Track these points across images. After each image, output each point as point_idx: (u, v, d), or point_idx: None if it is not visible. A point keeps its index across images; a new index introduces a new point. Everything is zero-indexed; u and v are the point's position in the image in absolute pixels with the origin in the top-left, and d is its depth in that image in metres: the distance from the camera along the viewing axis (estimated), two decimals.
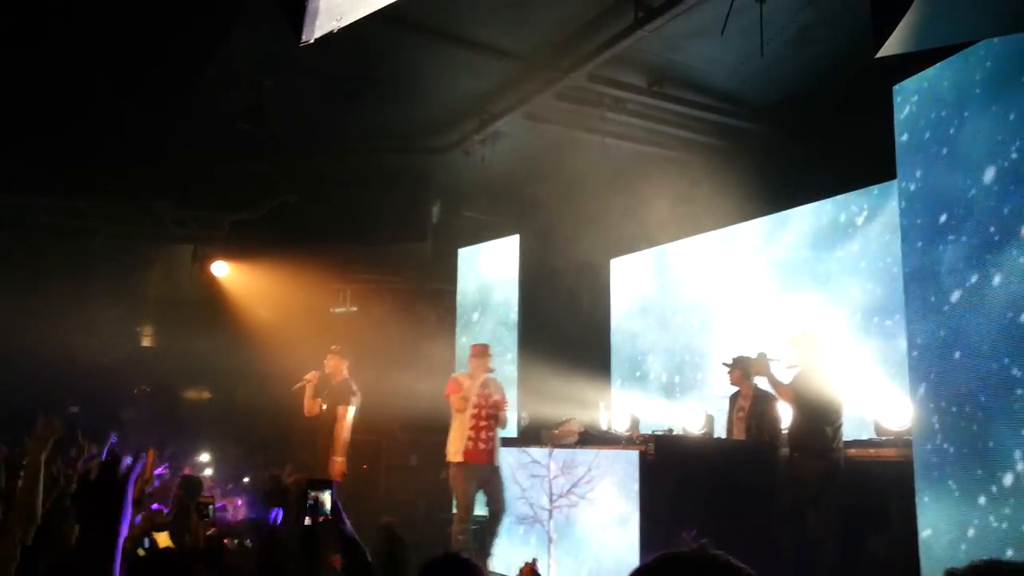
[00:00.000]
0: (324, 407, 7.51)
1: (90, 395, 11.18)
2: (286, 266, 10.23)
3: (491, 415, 6.87)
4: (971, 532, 4.60)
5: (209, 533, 4.77)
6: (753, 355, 6.39)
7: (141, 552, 3.73)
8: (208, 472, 10.84)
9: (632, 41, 6.26)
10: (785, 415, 6.58)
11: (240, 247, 10.23)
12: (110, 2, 6.24)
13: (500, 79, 7.37)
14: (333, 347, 7.83)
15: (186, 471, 9.79)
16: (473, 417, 6.81)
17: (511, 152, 8.58)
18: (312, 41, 2.47)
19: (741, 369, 6.67)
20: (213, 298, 10.84)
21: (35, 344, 10.45)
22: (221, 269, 10.39)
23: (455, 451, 6.81)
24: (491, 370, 7.03)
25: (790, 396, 5.80)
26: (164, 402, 12.59)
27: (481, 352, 7.12)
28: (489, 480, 6.79)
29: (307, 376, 7.63)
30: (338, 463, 7.32)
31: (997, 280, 4.67)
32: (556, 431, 7.06)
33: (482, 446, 6.79)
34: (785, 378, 5.97)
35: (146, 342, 12.93)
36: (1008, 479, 4.44)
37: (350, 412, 7.45)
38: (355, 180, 9.67)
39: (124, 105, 7.75)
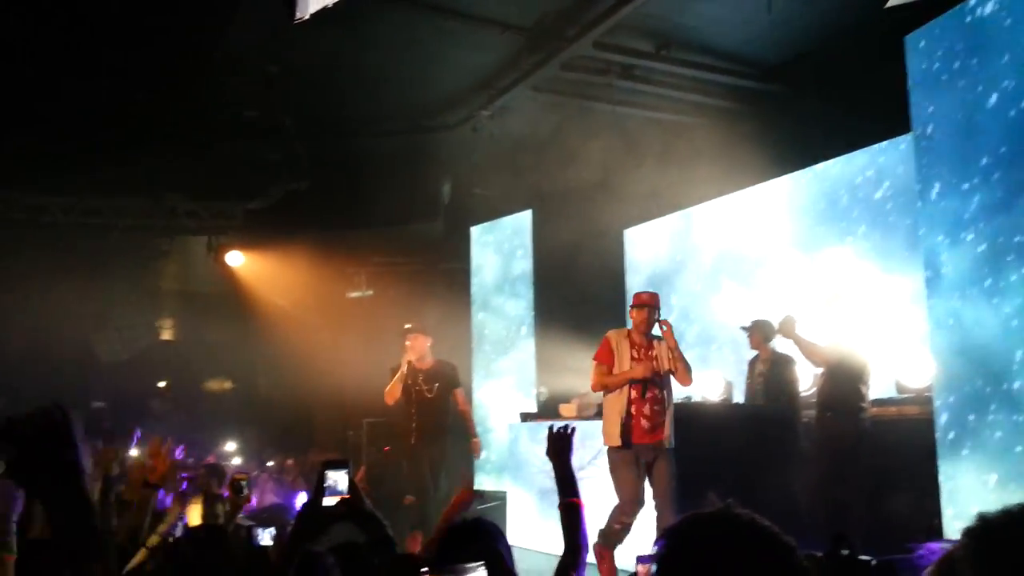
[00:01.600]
0: (428, 394, 6.65)
1: (113, 390, 11.31)
2: (300, 253, 10.25)
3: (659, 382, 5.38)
4: (992, 486, 4.54)
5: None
6: (773, 319, 6.32)
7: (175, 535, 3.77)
8: (236, 461, 10.94)
9: (636, 5, 6.18)
10: (805, 377, 6.53)
11: (254, 236, 10.26)
12: None
13: (505, 53, 7.30)
14: (411, 325, 6.98)
15: (211, 460, 9.90)
16: (637, 387, 5.35)
17: (519, 127, 8.52)
18: (307, 17, 2.44)
19: (761, 333, 6.61)
20: (230, 288, 10.90)
21: (55, 342, 10.57)
22: (236, 259, 10.43)
23: (611, 433, 5.37)
24: (654, 324, 5.45)
25: (823, 357, 5.71)
26: (187, 394, 12.71)
27: (646, 301, 5.55)
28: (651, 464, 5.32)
29: (407, 359, 6.67)
30: (477, 443, 7.09)
31: (1012, 234, 4.58)
32: (571, 404, 7.02)
33: (644, 422, 5.30)
34: (814, 339, 5.89)
35: (166, 335, 13.05)
36: None
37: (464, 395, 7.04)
38: (364, 163, 9.65)
39: (132, 98, 7.76)
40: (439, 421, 6.81)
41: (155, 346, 11.77)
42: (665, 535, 1.32)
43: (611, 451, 5.35)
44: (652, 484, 5.25)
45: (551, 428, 2.93)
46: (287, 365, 11.83)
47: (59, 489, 1.61)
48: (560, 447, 2.82)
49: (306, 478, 10.16)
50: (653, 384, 5.32)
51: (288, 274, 10.55)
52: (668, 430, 5.29)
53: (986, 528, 1.31)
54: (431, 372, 6.80)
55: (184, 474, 6.74)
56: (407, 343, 6.75)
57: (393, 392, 6.70)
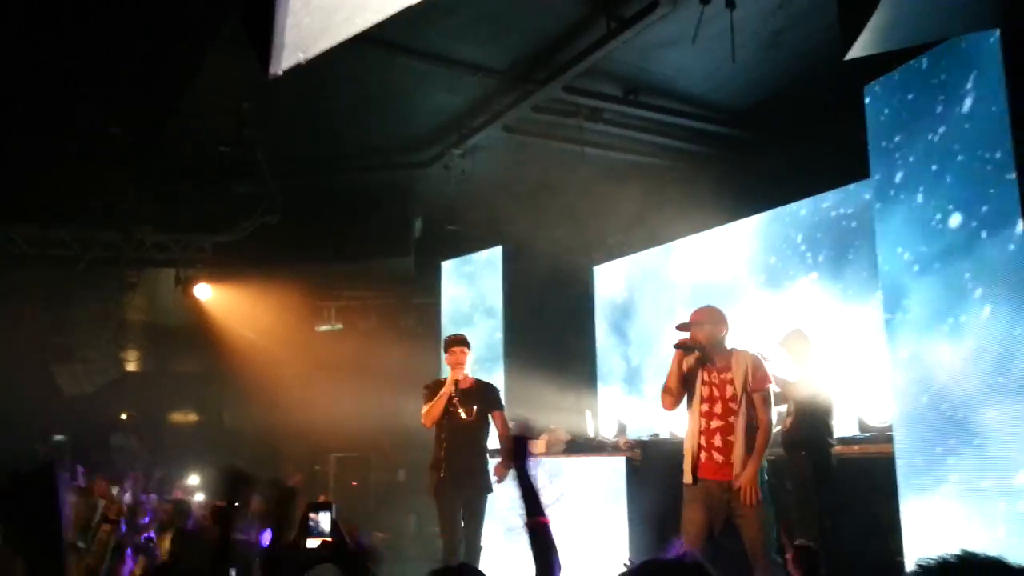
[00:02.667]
0: (465, 416, 5.72)
1: (77, 423, 11.13)
2: (270, 287, 10.22)
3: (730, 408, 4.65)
4: (954, 531, 4.65)
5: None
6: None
7: None
8: (199, 497, 10.77)
9: (606, 52, 6.34)
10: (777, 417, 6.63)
11: (223, 269, 10.21)
12: (90, 26, 6.26)
13: (477, 93, 7.43)
14: (455, 335, 6.13)
15: (176, 495, 9.74)
16: (703, 415, 4.70)
17: (491, 164, 8.64)
18: (280, 74, 2.52)
19: None
20: (197, 321, 10.81)
21: (19, 374, 10.39)
22: (204, 292, 10.36)
23: (686, 467, 4.71)
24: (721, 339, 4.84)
25: (797, 394, 5.83)
26: (151, 427, 12.53)
27: (704, 318, 4.90)
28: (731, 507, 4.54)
29: (454, 376, 5.81)
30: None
31: (971, 275, 4.75)
32: (540, 440, 7.03)
33: (718, 456, 4.60)
34: (782, 378, 6.01)
35: (131, 367, 12.87)
36: (992, 476, 4.50)
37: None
38: (336, 198, 9.69)
39: (103, 130, 7.75)
40: (476, 451, 5.76)
41: (120, 379, 11.60)
42: None
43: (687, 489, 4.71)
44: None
45: (513, 436, 2.72)
46: (254, 399, 11.73)
47: (39, 545, 1.63)
48: (517, 451, 2.58)
49: (272, 515, 10.02)
50: (716, 408, 4.66)
51: (257, 308, 10.51)
52: (746, 468, 4.51)
53: (943, 572, 1.36)
54: (469, 391, 5.81)
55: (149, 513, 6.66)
56: (452, 356, 5.84)
57: (433, 413, 5.73)
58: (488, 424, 5.82)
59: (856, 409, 6.22)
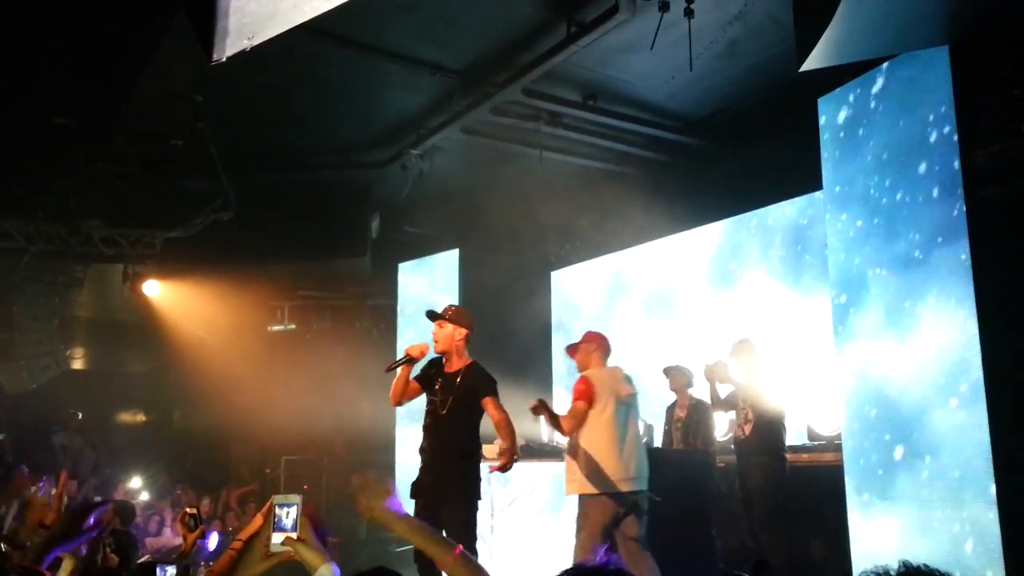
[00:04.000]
0: (440, 410, 4.80)
1: (18, 421, 10.82)
2: (221, 285, 10.04)
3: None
4: (900, 537, 4.72)
5: (142, 560, 4.64)
6: (697, 365, 6.49)
7: None
8: (144, 496, 10.55)
9: (565, 56, 6.33)
10: (720, 423, 6.69)
11: (173, 266, 10.00)
12: (40, 11, 6.08)
13: (435, 94, 7.37)
14: (449, 308, 5.08)
15: (119, 496, 9.52)
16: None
17: (449, 166, 8.59)
18: (224, 60, 2.45)
19: (682, 378, 6.79)
20: (145, 318, 10.58)
21: None
22: (153, 288, 10.14)
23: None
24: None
25: (755, 401, 5.88)
26: (97, 426, 12.23)
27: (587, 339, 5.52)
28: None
29: (411, 351, 4.86)
30: (505, 452, 4.66)
31: (919, 288, 4.82)
32: (493, 445, 6.98)
33: None
34: (743, 384, 6.06)
35: (77, 364, 12.56)
36: (939, 485, 4.57)
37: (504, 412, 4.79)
38: (292, 196, 9.55)
39: (53, 121, 7.54)
40: (452, 450, 4.75)
41: (65, 376, 11.31)
42: None
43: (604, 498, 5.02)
44: None
45: (358, 484, 2.14)
46: (204, 398, 11.51)
47: None
48: (378, 503, 2.09)
49: (220, 517, 9.86)
50: None
51: (208, 305, 10.31)
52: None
53: None
54: (450, 378, 4.86)
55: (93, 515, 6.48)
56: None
57: (394, 391, 4.90)
58: (470, 418, 4.83)
59: (806, 418, 6.29)
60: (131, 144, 8.29)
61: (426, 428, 4.90)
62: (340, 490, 10.83)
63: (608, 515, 4.91)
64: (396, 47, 6.57)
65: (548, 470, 6.49)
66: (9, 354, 10.32)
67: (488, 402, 4.79)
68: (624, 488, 4.91)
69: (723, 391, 6.19)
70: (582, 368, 5.31)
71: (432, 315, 4.99)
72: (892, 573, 1.36)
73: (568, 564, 4.77)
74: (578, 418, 5.05)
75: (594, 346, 5.34)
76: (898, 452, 4.83)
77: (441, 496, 4.66)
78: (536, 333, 9.81)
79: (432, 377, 4.94)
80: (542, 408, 5.04)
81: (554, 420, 5.15)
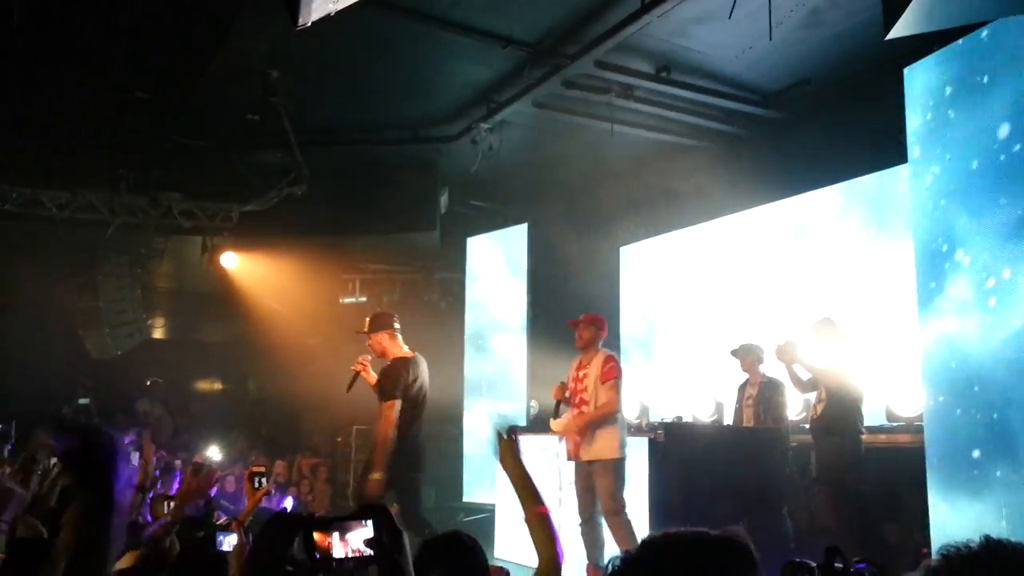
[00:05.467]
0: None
1: (102, 387, 11.27)
2: (295, 257, 10.24)
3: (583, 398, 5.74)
4: (982, 518, 4.57)
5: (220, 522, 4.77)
6: (767, 343, 6.37)
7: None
8: (218, 458, 10.90)
9: (639, 27, 6.20)
10: (793, 402, 6.56)
11: (249, 238, 10.23)
12: None
13: (506, 67, 7.32)
14: (367, 322, 5.88)
15: (197, 458, 9.85)
16: (575, 405, 5.85)
17: (519, 140, 8.54)
18: (309, 24, 2.45)
19: (752, 356, 6.67)
20: (223, 289, 10.86)
21: (46, 337, 10.53)
22: (230, 260, 10.40)
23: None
24: (586, 340, 5.85)
25: (825, 380, 5.76)
26: (176, 393, 12.67)
27: (589, 320, 5.95)
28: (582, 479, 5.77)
29: (354, 366, 5.71)
30: (373, 482, 5.22)
31: (1011, 263, 4.62)
32: (561, 419, 6.99)
33: (579, 438, 5.71)
34: (813, 364, 5.93)
35: (157, 334, 13.00)
36: (1020, 469, 4.41)
37: (396, 408, 5.41)
38: (363, 170, 9.65)
39: (133, 96, 7.76)
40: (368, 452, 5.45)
41: (146, 344, 11.72)
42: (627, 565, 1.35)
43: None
44: None
45: (498, 433, 2.73)
46: (278, 368, 11.80)
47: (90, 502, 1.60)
48: (508, 451, 2.62)
49: (296, 484, 10.13)
50: (576, 398, 5.80)
51: (282, 278, 10.53)
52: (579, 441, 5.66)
53: (945, 564, 1.32)
54: (377, 381, 5.64)
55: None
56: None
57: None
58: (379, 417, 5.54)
59: (885, 398, 6.12)
60: (208, 118, 8.48)
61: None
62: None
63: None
64: (467, 20, 6.54)
65: None
66: (94, 322, 10.73)
67: (383, 406, 5.52)
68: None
69: (801, 372, 6.04)
70: (588, 345, 5.84)
71: (360, 333, 5.92)
72: (973, 547, 1.31)
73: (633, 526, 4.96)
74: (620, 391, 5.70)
75: (601, 329, 5.92)
76: (981, 433, 4.66)
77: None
78: (605, 308, 9.74)
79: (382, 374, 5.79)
80: None
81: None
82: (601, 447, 5.55)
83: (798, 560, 1.97)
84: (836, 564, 2.02)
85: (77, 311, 10.74)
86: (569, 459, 5.83)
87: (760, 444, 6.19)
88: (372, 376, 5.78)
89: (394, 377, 5.57)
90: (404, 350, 5.80)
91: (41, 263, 10.12)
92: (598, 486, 5.54)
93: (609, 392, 5.60)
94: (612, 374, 5.65)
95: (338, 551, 1.74)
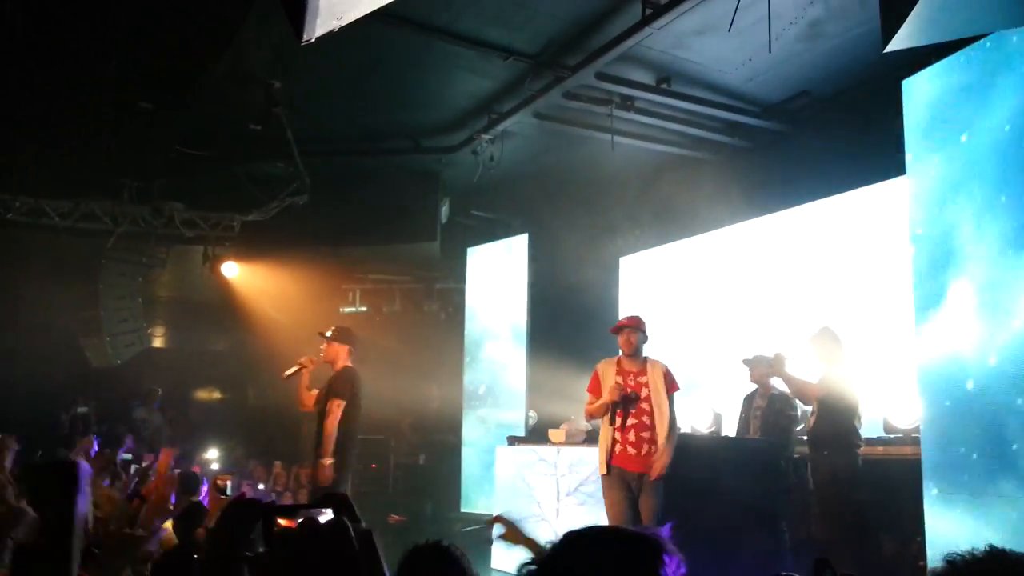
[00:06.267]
0: (316, 405, 6.00)
1: (101, 395, 11.27)
2: (295, 266, 10.27)
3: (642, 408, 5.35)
4: (979, 531, 4.56)
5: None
6: (770, 354, 6.37)
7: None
8: (215, 467, 10.89)
9: (640, 39, 6.25)
10: (801, 415, 6.55)
11: (250, 248, 10.27)
12: (122, 3, 6.29)
13: (507, 78, 7.37)
14: (331, 330, 6.15)
15: (195, 469, 9.84)
16: (619, 414, 5.38)
17: (520, 151, 8.58)
18: (313, 39, 2.47)
19: (763, 367, 6.64)
20: (224, 299, 10.89)
21: (46, 344, 10.54)
22: (231, 270, 10.43)
23: (599, 460, 5.43)
24: (635, 345, 5.48)
25: (813, 394, 5.75)
26: (175, 402, 12.66)
27: (622, 324, 5.66)
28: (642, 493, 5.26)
29: (301, 360, 6.00)
30: (326, 466, 5.69)
31: (1009, 274, 4.63)
32: (560, 430, 7.00)
33: (630, 448, 5.29)
34: (806, 376, 5.92)
35: (157, 343, 13.01)
36: (1019, 482, 4.40)
37: (338, 410, 5.81)
38: (364, 180, 9.70)
39: (135, 106, 7.80)
40: (316, 443, 5.78)
41: (146, 353, 11.73)
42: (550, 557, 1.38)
43: (601, 478, 5.40)
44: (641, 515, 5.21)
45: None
46: (277, 377, 11.78)
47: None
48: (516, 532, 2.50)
49: (292, 492, 10.11)
50: (630, 409, 5.29)
51: (282, 287, 10.56)
52: (655, 460, 5.17)
53: (950, 571, 1.33)
54: (327, 380, 5.96)
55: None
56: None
57: (298, 397, 6.06)
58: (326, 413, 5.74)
59: (882, 410, 6.11)
60: (211, 129, 8.52)
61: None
62: (406, 469, 11.00)
63: None
64: (469, 31, 6.59)
65: None
66: (95, 330, 10.75)
67: (332, 403, 5.70)
68: None
69: (792, 384, 6.02)
70: (637, 351, 5.48)
71: (322, 335, 6.03)
72: (978, 555, 1.32)
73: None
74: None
75: (646, 337, 5.56)
76: (978, 444, 4.66)
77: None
78: (604, 319, 9.75)
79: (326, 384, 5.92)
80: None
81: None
82: (661, 463, 5.19)
83: (784, 574, 1.97)
84: None
85: (78, 320, 10.77)
86: (616, 467, 5.29)
87: (759, 456, 6.17)
88: (306, 377, 6.00)
89: (349, 380, 5.91)
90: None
91: (43, 272, 10.15)
92: (648, 504, 5.15)
93: (669, 404, 5.34)
94: (677, 385, 5.44)
95: None
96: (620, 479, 5.26)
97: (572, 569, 1.35)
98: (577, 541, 1.40)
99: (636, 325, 5.52)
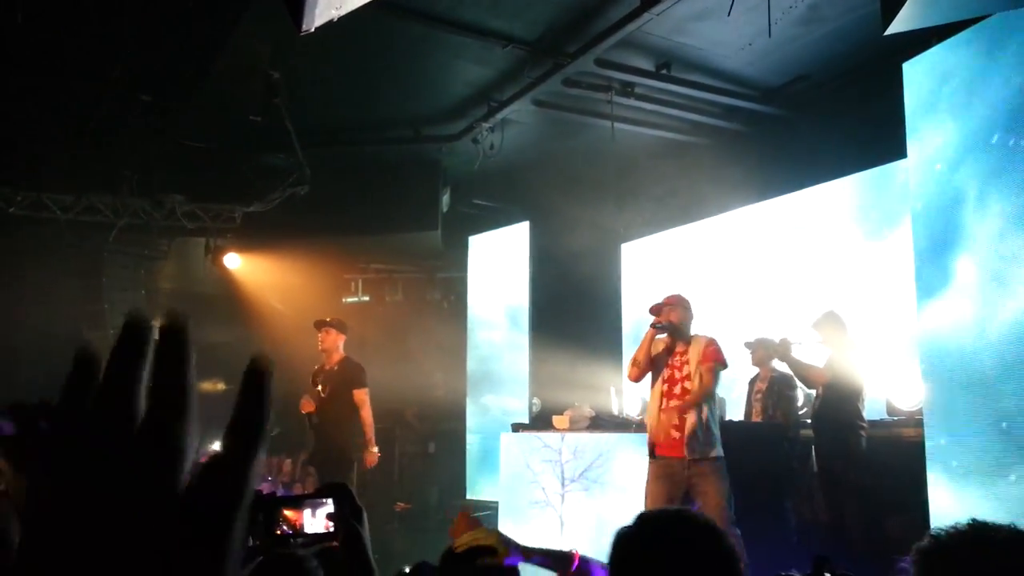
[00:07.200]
0: (323, 394, 6.22)
1: None
2: (298, 257, 10.28)
3: (686, 389, 5.01)
4: (983, 511, 4.59)
5: None
6: (773, 338, 6.39)
7: None
8: None
9: (639, 24, 6.24)
10: (801, 398, 6.58)
11: (252, 239, 10.28)
12: None
13: (506, 66, 7.36)
14: (327, 320, 6.47)
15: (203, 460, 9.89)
16: (663, 394, 5.07)
17: (520, 139, 8.58)
18: (312, 30, 2.49)
19: (764, 351, 6.67)
20: (226, 290, 10.91)
21: (49, 339, 10.56)
22: (233, 261, 10.45)
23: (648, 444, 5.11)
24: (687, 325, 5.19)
25: (818, 378, 5.78)
26: None
27: (676, 302, 5.26)
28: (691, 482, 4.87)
29: (305, 406, 6.34)
30: (374, 454, 6.19)
31: (1010, 257, 4.64)
32: (564, 416, 7.03)
33: (675, 434, 4.94)
34: (811, 361, 5.95)
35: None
36: (1020, 460, 4.43)
37: (367, 395, 6.16)
38: (365, 170, 9.70)
39: (135, 98, 7.80)
40: (330, 433, 6.02)
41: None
42: (622, 537, 1.40)
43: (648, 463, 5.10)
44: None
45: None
46: (281, 368, 11.78)
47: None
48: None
49: (301, 481, 10.18)
50: (675, 388, 5.01)
51: (285, 278, 10.57)
52: (695, 443, 4.81)
53: (934, 546, 1.36)
54: (330, 372, 6.20)
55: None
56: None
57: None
58: (343, 406, 6.06)
59: (886, 392, 6.14)
60: (211, 120, 8.52)
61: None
62: (412, 457, 11.05)
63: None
64: (468, 19, 6.57)
65: (618, 441, 6.50)
66: (99, 324, 10.76)
67: (359, 393, 6.06)
68: None
69: (799, 368, 6.05)
70: (676, 330, 5.14)
71: (320, 324, 6.42)
72: (961, 528, 1.36)
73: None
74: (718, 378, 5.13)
75: (690, 314, 5.25)
76: (981, 430, 4.69)
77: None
78: (606, 306, 9.79)
79: (315, 374, 6.31)
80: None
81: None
82: (708, 443, 4.83)
83: (783, 574, 2.00)
84: (825, 575, 2.03)
85: (82, 314, 10.78)
86: (659, 455, 5.00)
87: (763, 439, 6.21)
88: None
89: (359, 368, 6.23)
90: None
91: (46, 266, 10.15)
92: (705, 491, 4.73)
93: (707, 375, 4.93)
94: (717, 356, 5.00)
95: (309, 527, 1.81)
96: (665, 469, 4.92)
97: (646, 551, 1.38)
98: (653, 523, 1.42)
99: (674, 304, 5.19)
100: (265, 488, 9.60)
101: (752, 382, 6.76)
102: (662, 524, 1.42)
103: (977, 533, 1.34)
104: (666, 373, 5.08)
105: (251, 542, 1.88)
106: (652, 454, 5.02)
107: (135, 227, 9.92)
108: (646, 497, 4.95)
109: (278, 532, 1.84)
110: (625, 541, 1.42)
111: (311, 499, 1.83)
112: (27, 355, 10.03)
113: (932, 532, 1.36)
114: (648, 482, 5.00)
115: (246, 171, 9.51)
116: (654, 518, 1.44)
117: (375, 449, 6.14)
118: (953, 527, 1.34)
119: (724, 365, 5.09)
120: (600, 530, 6.40)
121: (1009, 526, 1.33)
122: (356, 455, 6.21)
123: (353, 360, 6.24)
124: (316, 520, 1.84)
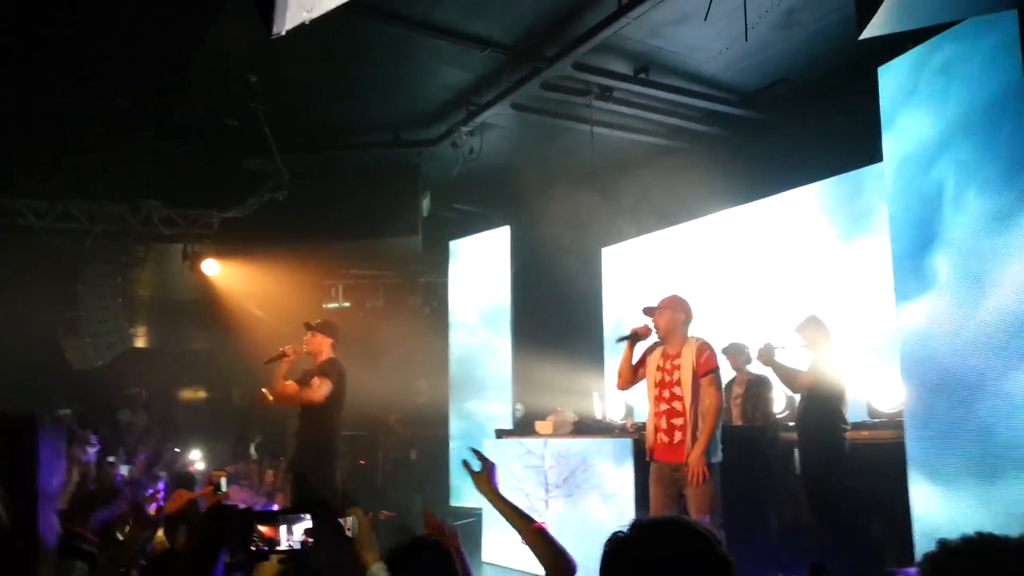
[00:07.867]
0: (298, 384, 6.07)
1: (83, 398, 11.18)
2: (277, 263, 10.21)
3: (675, 393, 5.03)
4: (964, 515, 4.61)
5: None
6: (745, 343, 6.42)
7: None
8: (200, 466, 10.86)
9: (616, 28, 6.23)
10: (781, 399, 6.61)
11: (230, 245, 10.19)
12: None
13: (485, 70, 7.34)
14: (316, 322, 6.29)
15: (191, 469, 9.81)
16: (655, 399, 5.14)
17: (500, 143, 8.57)
18: (283, 33, 2.45)
19: (739, 355, 6.71)
20: (204, 297, 10.81)
21: (27, 347, 10.43)
22: (212, 267, 10.35)
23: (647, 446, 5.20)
24: (664, 329, 5.15)
25: (802, 382, 5.80)
26: (160, 403, 12.58)
27: (666, 304, 5.23)
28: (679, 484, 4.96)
29: (284, 348, 6.03)
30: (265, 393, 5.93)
31: (986, 260, 4.67)
32: (547, 421, 7.02)
33: (664, 438, 5.05)
34: (794, 365, 5.96)
35: (139, 343, 12.91)
36: (1000, 461, 4.45)
37: (326, 387, 5.85)
38: (344, 175, 9.64)
39: (111, 104, 7.72)
40: (311, 437, 5.91)
41: (128, 354, 11.63)
42: (614, 541, 1.40)
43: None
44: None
45: (465, 463, 2.67)
46: (262, 375, 11.73)
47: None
48: (482, 481, 2.58)
49: (282, 490, 10.10)
50: (664, 392, 5.04)
51: (264, 284, 10.50)
52: (692, 450, 4.86)
53: (945, 555, 1.37)
54: (311, 374, 6.04)
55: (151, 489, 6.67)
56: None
57: (274, 388, 5.99)
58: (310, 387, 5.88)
59: (866, 395, 6.17)
60: (188, 124, 8.44)
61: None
62: (395, 464, 10.99)
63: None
64: (446, 23, 6.55)
65: (601, 446, 6.49)
66: (75, 332, 10.64)
67: (317, 379, 5.90)
68: None
69: (781, 372, 6.07)
70: (669, 333, 5.13)
71: (308, 326, 6.20)
72: (970, 537, 1.38)
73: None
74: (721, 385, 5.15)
75: (683, 316, 5.19)
76: (961, 432, 4.71)
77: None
78: (588, 310, 9.79)
79: (300, 378, 6.05)
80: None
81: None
82: (693, 468, 4.86)
83: None
84: None
85: (59, 321, 10.65)
86: (655, 459, 5.09)
87: (745, 442, 6.21)
88: (285, 368, 6.03)
89: (336, 367, 6.03)
90: None
91: (20, 273, 10.02)
92: (693, 494, 4.83)
93: (711, 389, 4.92)
94: (711, 364, 4.98)
95: (285, 542, 1.80)
96: (659, 471, 5.06)
97: (639, 557, 1.39)
98: (648, 530, 1.43)
99: (665, 307, 5.17)
100: (247, 498, 9.53)
101: (728, 387, 6.78)
102: (655, 531, 1.41)
103: (986, 541, 1.35)
104: (657, 377, 5.13)
105: (227, 558, 1.86)
106: (649, 458, 5.15)
107: (111, 233, 9.81)
108: (650, 500, 5.14)
109: (253, 548, 1.82)
110: (618, 547, 1.42)
111: (287, 515, 1.82)
112: (3, 364, 9.89)
113: (941, 540, 1.38)
114: (649, 485, 5.17)
115: (224, 176, 9.43)
116: (648, 525, 1.44)
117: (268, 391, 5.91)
118: (964, 537, 1.36)
119: (719, 369, 5.11)
120: (584, 536, 6.38)
121: (1005, 538, 1.35)
122: (336, 461, 6.15)
123: (335, 361, 6.07)
124: (293, 535, 1.82)
